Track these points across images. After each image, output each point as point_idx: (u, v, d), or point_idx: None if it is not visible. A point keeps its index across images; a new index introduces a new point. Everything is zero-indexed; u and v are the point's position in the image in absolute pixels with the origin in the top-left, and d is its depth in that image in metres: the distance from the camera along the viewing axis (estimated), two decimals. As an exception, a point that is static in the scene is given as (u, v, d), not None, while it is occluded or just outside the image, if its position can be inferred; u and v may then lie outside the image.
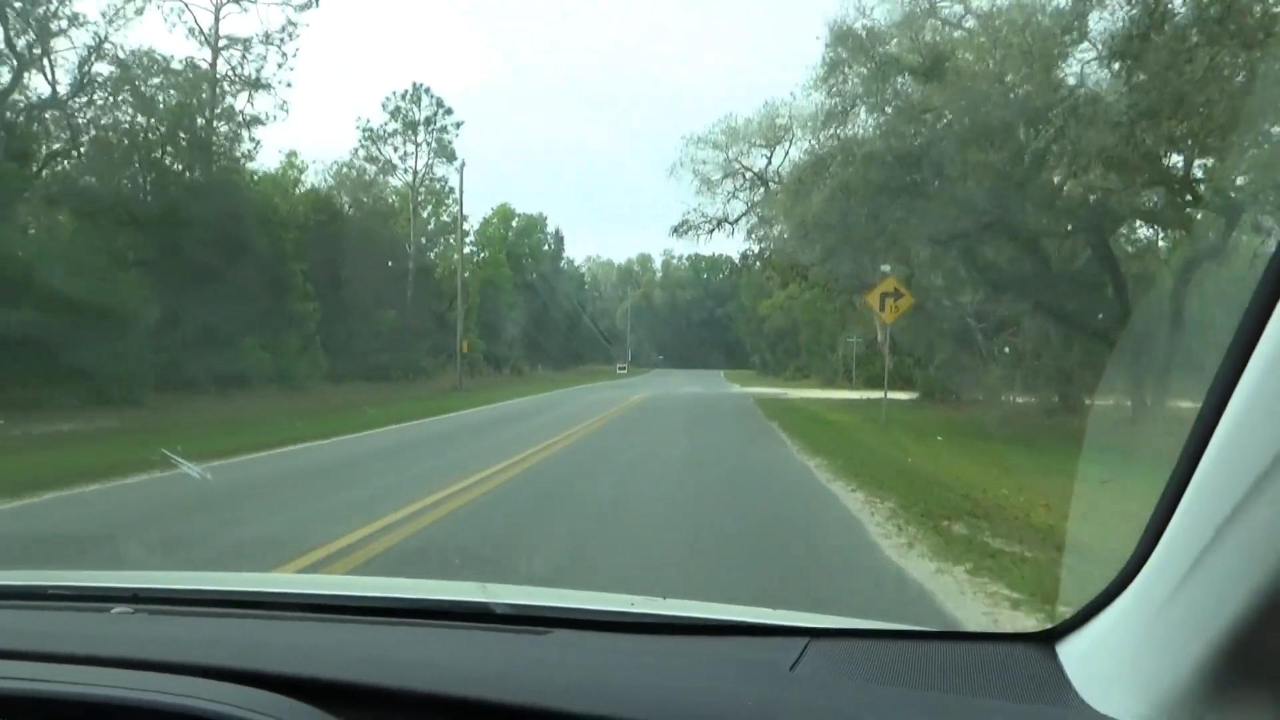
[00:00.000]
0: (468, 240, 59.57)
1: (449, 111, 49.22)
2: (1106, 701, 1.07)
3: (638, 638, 1.51)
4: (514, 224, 73.15)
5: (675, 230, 32.77)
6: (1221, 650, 0.88)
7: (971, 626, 4.48)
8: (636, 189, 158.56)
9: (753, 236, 30.25)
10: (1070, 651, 1.23)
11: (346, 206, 42.12)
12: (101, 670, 1.21)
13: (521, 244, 73.53)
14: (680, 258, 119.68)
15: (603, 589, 2.32)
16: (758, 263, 32.03)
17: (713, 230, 31.90)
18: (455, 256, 41.35)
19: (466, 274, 54.02)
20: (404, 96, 48.48)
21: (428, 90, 48.66)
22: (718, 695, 1.21)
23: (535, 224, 74.79)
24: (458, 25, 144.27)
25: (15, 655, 1.28)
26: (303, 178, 33.94)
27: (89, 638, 1.42)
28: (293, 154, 33.90)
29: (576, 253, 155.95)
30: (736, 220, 31.37)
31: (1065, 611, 1.38)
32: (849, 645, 1.43)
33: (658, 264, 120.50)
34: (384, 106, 48.40)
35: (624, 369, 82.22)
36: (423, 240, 50.44)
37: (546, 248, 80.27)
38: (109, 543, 6.38)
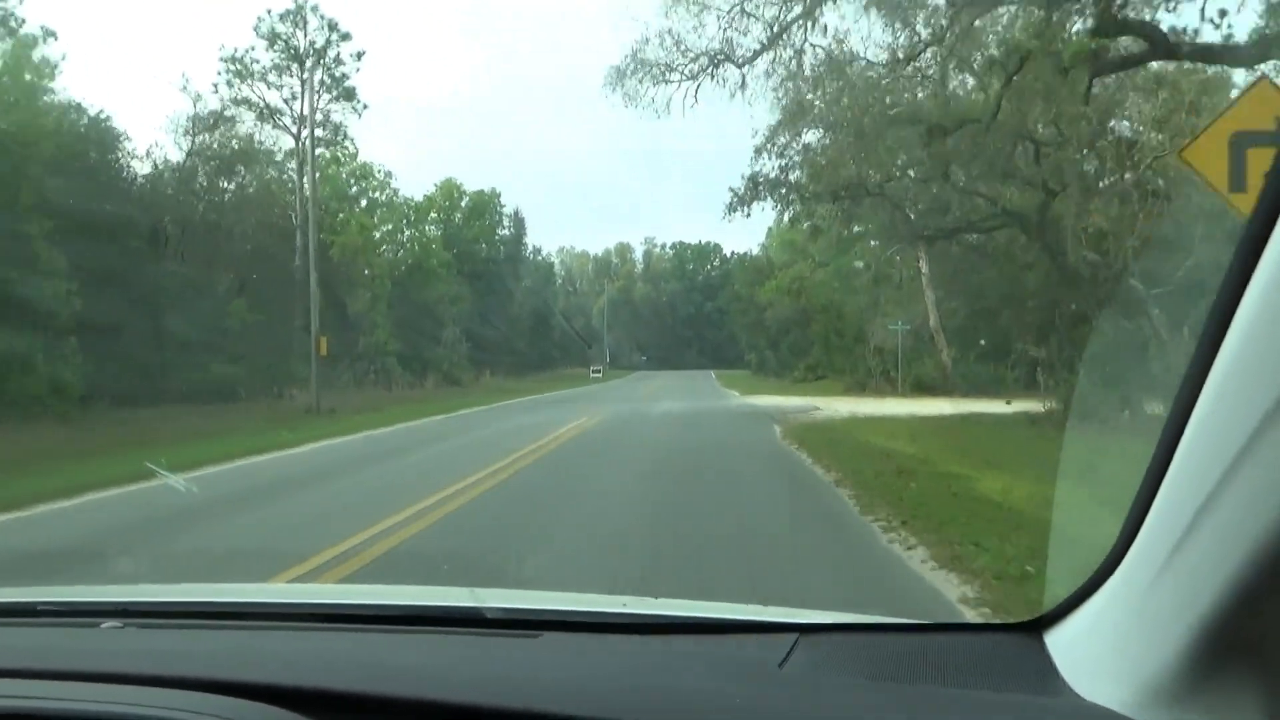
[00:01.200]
0: (392, 219, 47.51)
1: (346, 37, 37.16)
2: (1094, 688, 1.08)
3: (629, 638, 1.51)
4: (463, 203, 61.14)
5: (616, 79, 17.11)
6: (1204, 633, 0.89)
7: None
8: (619, 189, 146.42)
9: (772, 147, 16.74)
10: (1057, 640, 1.24)
11: (184, 157, 29.97)
12: (92, 686, 1.20)
13: (472, 227, 61.55)
14: (663, 246, 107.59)
15: None
16: (779, 193, 17.09)
17: (698, 78, 16.00)
18: (314, 209, 29.19)
19: (372, 250, 42.06)
20: (283, 17, 36.39)
21: (314, 8, 36.56)
22: (706, 694, 1.22)
23: (488, 202, 62.63)
24: (445, 25, 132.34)
25: (5, 673, 1.26)
26: (53, 86, 21.36)
27: (79, 653, 1.42)
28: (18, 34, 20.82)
29: (547, 242, 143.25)
30: (750, 62, 15.62)
31: (1052, 600, 1.29)
32: (838, 640, 1.44)
33: (638, 254, 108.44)
34: (256, 30, 36.26)
35: (599, 372, 70.30)
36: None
37: (505, 232, 68.13)
38: None
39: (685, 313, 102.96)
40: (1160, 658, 0.95)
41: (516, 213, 69.27)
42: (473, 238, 61.10)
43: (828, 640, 1.42)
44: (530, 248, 79.73)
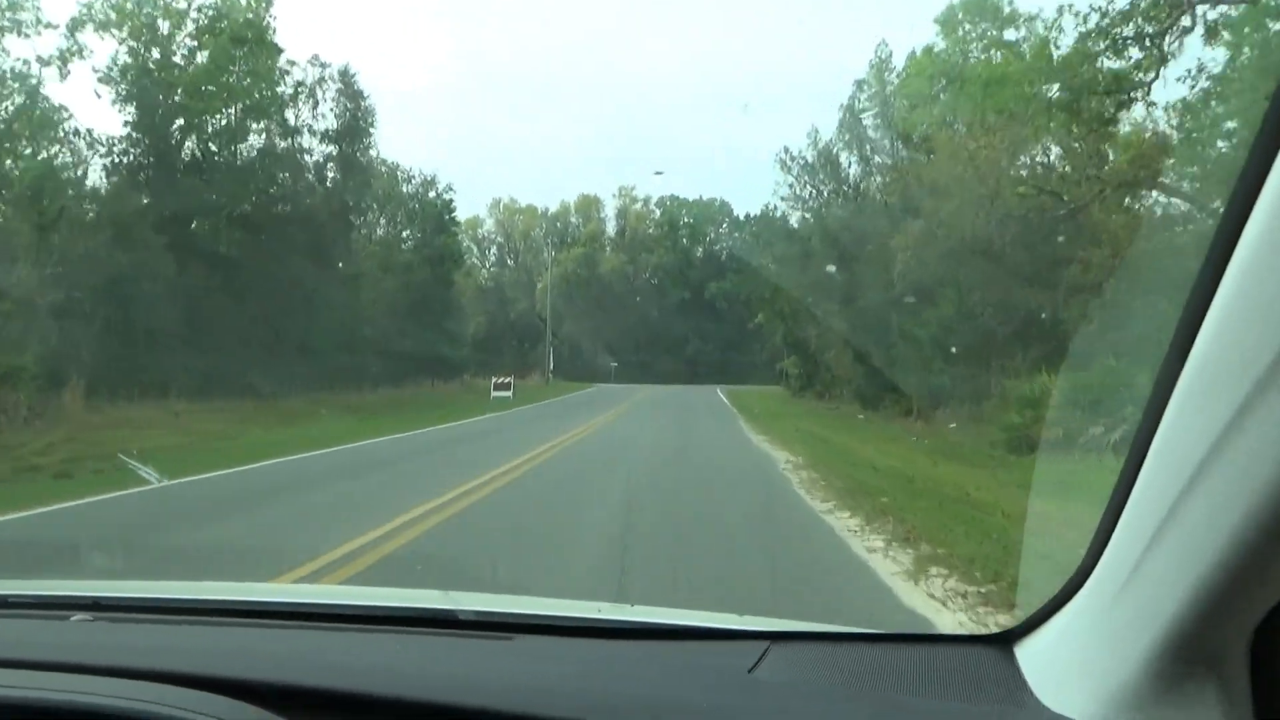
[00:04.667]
0: None
1: None
2: (1061, 700, 1.09)
3: (601, 643, 1.51)
4: (197, 27, 27.68)
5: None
6: (1167, 646, 0.90)
7: None
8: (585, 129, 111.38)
9: None
10: (1027, 652, 1.25)
11: None
12: (60, 676, 1.20)
13: (247, 89, 28.44)
14: (646, 201, 73.54)
15: None
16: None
17: None
18: None
19: None
20: None
21: None
22: (675, 699, 1.22)
23: (245, 33, 28.70)
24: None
25: None
26: None
27: (48, 645, 1.42)
28: None
29: (471, 190, 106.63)
30: None
31: (1023, 613, 1.24)
32: (809, 649, 1.44)
33: (609, 211, 74.40)
34: None
35: (506, 389, 36.54)
36: None
37: (324, 118, 34.61)
38: None
39: (677, 297, 69.43)
40: (1125, 670, 0.96)
41: (350, 85, 35.43)
42: (202, 112, 27.63)
43: (798, 648, 1.42)
44: (403, 172, 46.44)
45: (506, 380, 37.69)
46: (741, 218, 73.27)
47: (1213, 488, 0.79)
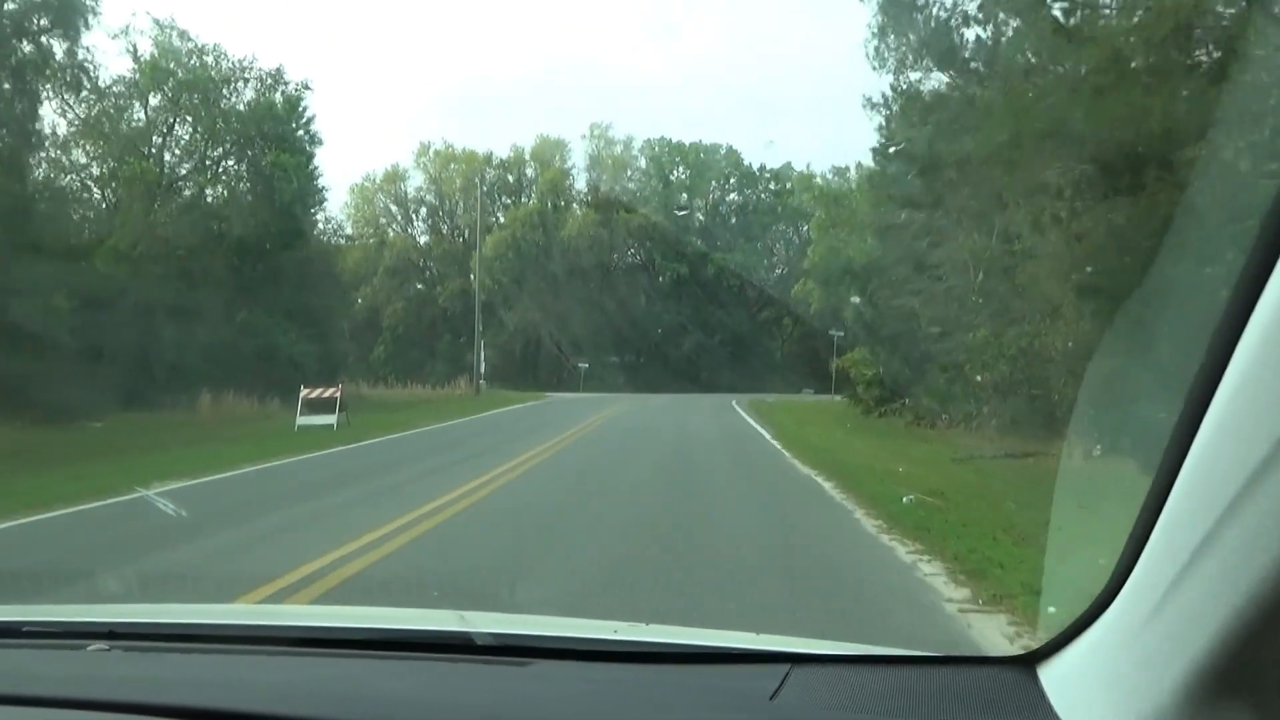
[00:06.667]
0: None
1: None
2: None
3: (619, 667, 1.50)
4: None
5: None
6: (1199, 673, 0.88)
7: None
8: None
9: None
10: (1052, 674, 1.23)
11: None
12: (78, 714, 1.18)
13: None
14: (627, 144, 55.12)
15: None
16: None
17: None
18: None
19: None
20: None
21: None
22: None
23: None
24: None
25: None
26: None
27: (64, 679, 1.39)
28: None
29: (390, 131, 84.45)
30: None
31: (1046, 634, 1.28)
32: (830, 672, 1.42)
33: (577, 156, 55.88)
34: None
35: (329, 411, 18.65)
36: None
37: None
38: None
39: (670, 274, 51.22)
40: (1155, 696, 0.93)
41: None
42: None
43: (821, 672, 1.40)
44: (232, 62, 28.43)
45: (328, 394, 19.44)
46: (756, 169, 55.27)
47: (1249, 519, 0.77)
